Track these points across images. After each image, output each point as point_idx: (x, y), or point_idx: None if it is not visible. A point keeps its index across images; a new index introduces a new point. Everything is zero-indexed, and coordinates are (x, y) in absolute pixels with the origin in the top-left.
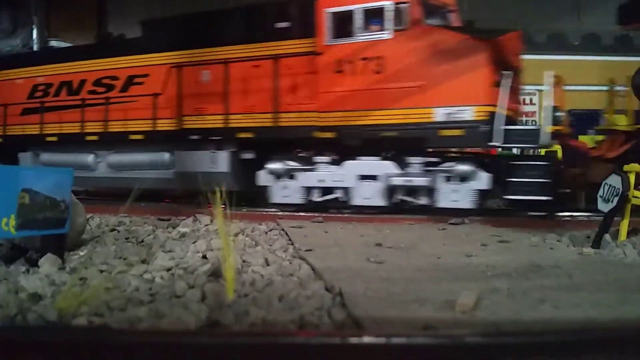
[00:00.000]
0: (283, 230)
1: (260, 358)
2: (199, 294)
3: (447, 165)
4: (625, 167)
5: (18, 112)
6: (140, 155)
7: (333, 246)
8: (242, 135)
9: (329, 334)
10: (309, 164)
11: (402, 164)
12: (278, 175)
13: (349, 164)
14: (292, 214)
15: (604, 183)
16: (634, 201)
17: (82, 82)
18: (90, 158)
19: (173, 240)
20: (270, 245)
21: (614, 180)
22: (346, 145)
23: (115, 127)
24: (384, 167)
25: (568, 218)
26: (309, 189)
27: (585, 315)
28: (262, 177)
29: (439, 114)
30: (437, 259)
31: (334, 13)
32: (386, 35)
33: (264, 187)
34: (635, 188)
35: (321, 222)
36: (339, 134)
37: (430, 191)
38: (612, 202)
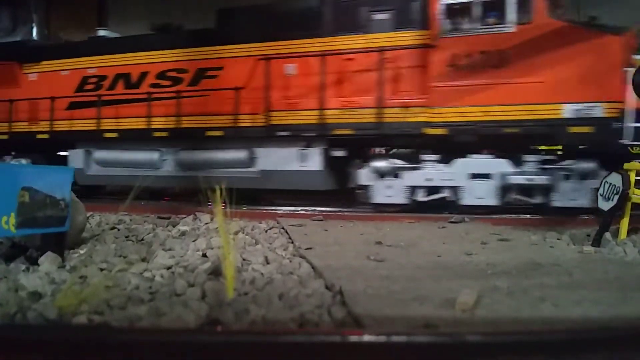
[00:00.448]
0: (283, 228)
1: (260, 356)
2: (199, 292)
3: (567, 163)
4: (626, 165)
5: (64, 106)
6: (216, 152)
7: (333, 244)
8: (340, 131)
9: (329, 332)
10: (415, 162)
11: (517, 162)
12: (381, 174)
13: (459, 162)
14: (292, 212)
15: (604, 181)
16: (634, 199)
17: (143, 75)
18: (155, 155)
19: (173, 239)
20: (270, 244)
21: (615, 179)
22: (457, 142)
23: (187, 122)
24: (498, 165)
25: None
26: (413, 189)
27: (585, 313)
28: (364, 176)
29: (568, 110)
30: (437, 257)
31: (450, 5)
32: (508, 28)
33: (360, 187)
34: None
35: (321, 220)
36: (452, 131)
37: (546, 190)
38: (612, 200)
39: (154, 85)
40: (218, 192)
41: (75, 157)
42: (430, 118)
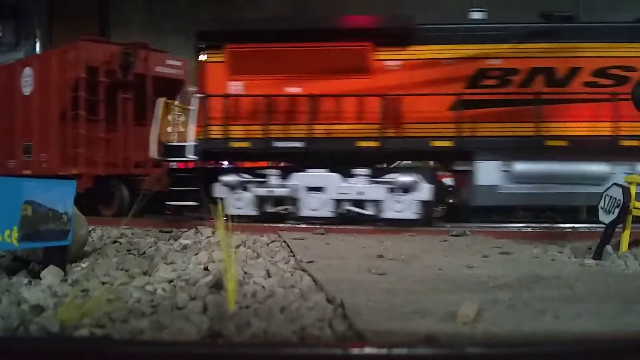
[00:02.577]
0: (284, 242)
1: None
2: (200, 305)
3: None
4: (626, 178)
5: (446, 103)
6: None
7: (334, 258)
8: None
9: (331, 345)
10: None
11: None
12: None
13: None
14: (294, 225)
15: (605, 194)
16: (635, 212)
17: (573, 72)
18: (605, 169)
19: (175, 252)
20: (272, 257)
21: (615, 192)
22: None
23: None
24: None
25: (570, 229)
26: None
27: (586, 326)
28: None
29: None
30: (439, 270)
31: None
32: None
33: None
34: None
35: (322, 234)
36: None
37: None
38: (613, 213)
39: (589, 84)
40: (220, 206)
41: (485, 170)
42: None
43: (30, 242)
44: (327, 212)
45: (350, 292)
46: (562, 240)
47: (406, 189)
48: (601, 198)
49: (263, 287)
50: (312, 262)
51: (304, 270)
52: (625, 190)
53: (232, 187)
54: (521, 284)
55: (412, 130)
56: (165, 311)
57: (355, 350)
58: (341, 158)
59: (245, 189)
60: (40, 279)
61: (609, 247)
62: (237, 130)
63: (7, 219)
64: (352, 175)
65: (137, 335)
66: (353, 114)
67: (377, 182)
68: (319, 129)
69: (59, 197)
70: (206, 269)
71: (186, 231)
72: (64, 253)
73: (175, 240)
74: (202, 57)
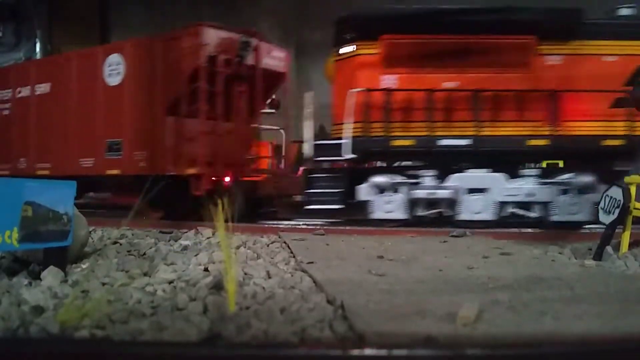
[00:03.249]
0: (285, 242)
1: None
2: (200, 306)
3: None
4: (626, 179)
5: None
6: None
7: (335, 259)
8: None
9: (331, 346)
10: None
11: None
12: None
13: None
14: (294, 226)
15: (605, 195)
16: (635, 213)
17: None
18: None
19: (175, 253)
20: (272, 258)
21: (615, 192)
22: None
23: None
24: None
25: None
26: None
27: (586, 327)
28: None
29: None
30: (439, 271)
31: None
32: None
33: None
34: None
35: (323, 234)
36: None
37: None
38: (613, 214)
39: None
40: (220, 207)
41: None
42: None
43: (31, 243)
44: (489, 214)
45: (350, 293)
46: (562, 241)
47: (582, 190)
48: (601, 198)
49: (263, 288)
50: (312, 262)
51: (304, 271)
52: (625, 191)
53: (382, 189)
54: (521, 285)
55: (580, 128)
56: (165, 312)
57: (355, 352)
58: (508, 158)
59: (396, 190)
60: (40, 280)
61: (609, 248)
62: (398, 128)
63: (7, 219)
64: (519, 176)
65: (137, 336)
66: (521, 111)
67: (549, 183)
68: (486, 127)
69: (60, 197)
70: (206, 269)
71: (186, 232)
72: (64, 254)
73: (176, 241)
74: (349, 49)
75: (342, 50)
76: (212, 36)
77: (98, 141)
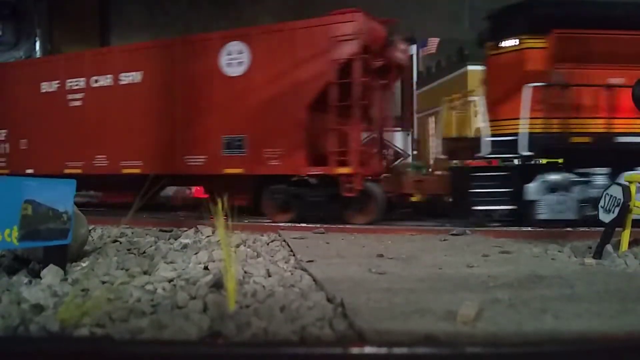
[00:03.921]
0: (284, 241)
1: None
2: (200, 304)
3: None
4: (626, 177)
5: None
6: None
7: (334, 257)
8: None
9: (331, 345)
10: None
11: None
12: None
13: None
14: (294, 225)
15: (605, 193)
16: (635, 211)
17: None
18: None
19: (175, 252)
20: (272, 257)
21: (615, 191)
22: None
23: None
24: None
25: (569, 229)
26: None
27: (586, 325)
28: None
29: None
30: (439, 269)
31: None
32: None
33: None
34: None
35: (322, 233)
36: None
37: None
38: (613, 212)
39: None
40: (220, 205)
41: None
42: None
43: (31, 241)
44: None
45: (350, 292)
46: (562, 239)
47: None
48: (601, 197)
49: (263, 286)
50: (312, 261)
51: (304, 269)
52: (626, 189)
53: (553, 188)
54: (521, 283)
55: None
56: (165, 310)
57: (355, 350)
58: None
59: (567, 190)
60: (40, 278)
61: (609, 247)
62: (576, 124)
63: (7, 218)
64: None
65: (137, 334)
66: None
67: None
68: None
69: (60, 196)
70: (206, 268)
71: (186, 230)
72: (64, 252)
73: (176, 239)
74: (512, 42)
75: (504, 44)
76: (366, 25)
77: (211, 137)
